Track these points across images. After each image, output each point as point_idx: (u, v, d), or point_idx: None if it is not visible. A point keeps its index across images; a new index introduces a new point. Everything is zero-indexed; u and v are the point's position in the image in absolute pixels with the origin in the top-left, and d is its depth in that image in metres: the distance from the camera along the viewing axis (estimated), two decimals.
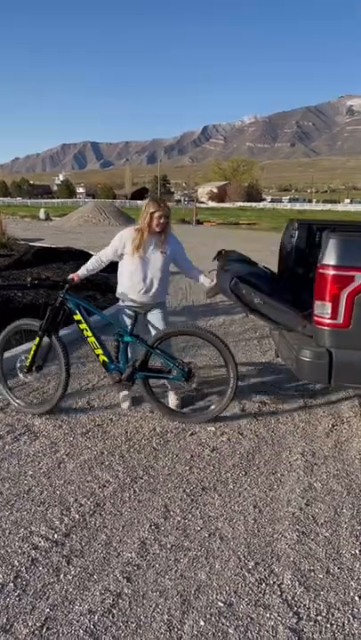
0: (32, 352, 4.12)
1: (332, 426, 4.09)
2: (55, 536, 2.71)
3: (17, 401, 4.28)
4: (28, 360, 4.15)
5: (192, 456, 3.59)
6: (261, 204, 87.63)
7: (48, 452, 3.60)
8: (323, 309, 3.18)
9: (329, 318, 3.16)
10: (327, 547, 2.66)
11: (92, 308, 4.22)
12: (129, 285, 4.12)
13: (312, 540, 2.72)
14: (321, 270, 3.17)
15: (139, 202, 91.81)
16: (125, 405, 4.34)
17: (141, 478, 3.29)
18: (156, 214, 3.96)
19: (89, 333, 4.06)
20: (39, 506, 2.97)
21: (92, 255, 4.89)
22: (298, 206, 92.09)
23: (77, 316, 4.06)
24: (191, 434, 3.92)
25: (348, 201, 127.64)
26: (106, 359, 4.07)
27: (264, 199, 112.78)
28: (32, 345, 4.13)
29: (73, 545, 2.64)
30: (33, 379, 4.29)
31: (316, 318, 3.24)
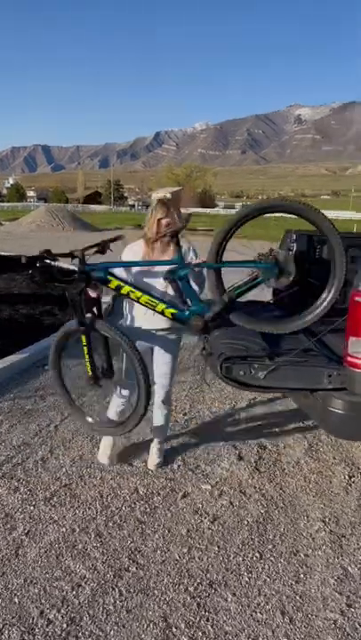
0: (86, 355, 3.11)
1: (349, 477, 3.42)
2: None
3: (89, 419, 3.46)
4: (88, 368, 3.16)
5: (189, 531, 2.83)
6: (215, 210, 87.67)
7: (1, 531, 2.76)
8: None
9: None
10: None
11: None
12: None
13: None
14: (358, 298, 2.49)
15: (91, 206, 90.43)
16: (105, 459, 3.49)
17: (128, 570, 2.51)
18: (164, 221, 3.16)
19: (138, 293, 3.00)
20: None
21: None
22: None
23: (114, 282, 3.01)
24: (183, 496, 3.15)
25: None
26: (174, 310, 3.02)
27: (217, 205, 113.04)
28: (83, 349, 3.11)
29: None
30: (105, 387, 3.33)
31: (350, 359, 2.55)
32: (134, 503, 3.05)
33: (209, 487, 3.25)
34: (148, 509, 3.00)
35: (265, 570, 2.53)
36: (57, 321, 6.82)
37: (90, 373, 3.13)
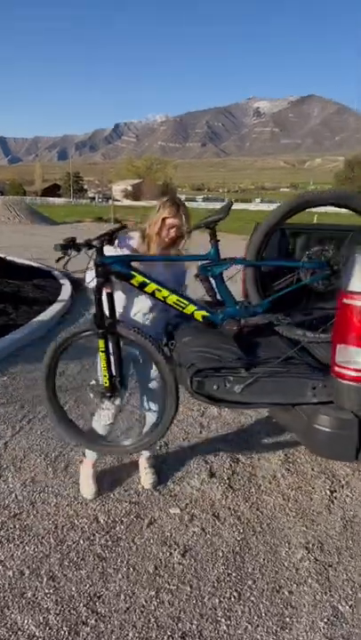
0: (103, 362, 2.61)
1: (331, 493, 3.13)
2: None
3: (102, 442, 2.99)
4: (105, 378, 2.65)
5: (157, 568, 2.47)
6: None
7: None
8: (350, 356, 2.18)
9: None
10: None
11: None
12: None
13: None
14: (347, 300, 2.17)
15: (50, 199, 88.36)
16: (90, 493, 3.02)
17: (86, 624, 2.13)
18: (169, 222, 2.76)
19: (165, 292, 2.60)
20: None
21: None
22: (211, 206, 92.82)
23: (139, 278, 2.58)
24: (150, 523, 2.79)
25: (259, 200, 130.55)
26: (206, 313, 2.65)
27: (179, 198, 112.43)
28: (99, 356, 2.63)
29: None
30: (121, 400, 2.79)
31: (338, 370, 2.23)
32: (94, 535, 2.68)
33: (178, 511, 2.90)
34: (110, 542, 2.63)
35: (245, 614, 2.20)
36: (10, 321, 6.32)
37: (107, 384, 2.65)
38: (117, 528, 2.74)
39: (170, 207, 2.76)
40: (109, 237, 2.52)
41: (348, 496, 3.10)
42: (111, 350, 2.58)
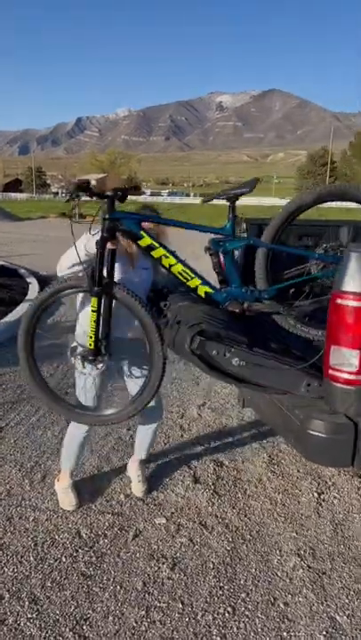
0: (92, 323, 2.41)
1: (319, 495, 3.06)
2: None
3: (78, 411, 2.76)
4: (91, 339, 2.44)
5: (145, 584, 2.35)
6: (142, 198, 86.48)
7: None
8: (344, 359, 2.10)
9: (355, 372, 2.09)
10: None
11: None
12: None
13: None
14: (340, 300, 2.08)
15: (12, 194, 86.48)
16: (71, 504, 2.88)
17: None
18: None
19: (172, 260, 2.50)
20: None
21: None
22: (178, 200, 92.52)
23: (147, 240, 2.46)
24: (135, 535, 2.67)
25: None
26: (209, 289, 2.54)
27: (144, 192, 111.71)
28: (89, 314, 2.42)
29: None
30: (106, 365, 2.56)
31: (332, 372, 2.15)
32: (77, 551, 2.54)
33: (164, 521, 2.78)
34: (94, 558, 2.49)
35: (241, 630, 2.10)
36: None
37: (91, 346, 2.44)
38: (101, 542, 2.60)
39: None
40: (122, 195, 2.38)
41: (335, 497, 3.05)
42: (102, 311, 2.42)
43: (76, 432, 2.87)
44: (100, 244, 2.35)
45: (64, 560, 2.47)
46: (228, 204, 2.55)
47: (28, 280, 8.87)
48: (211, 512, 2.87)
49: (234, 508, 2.92)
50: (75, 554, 2.51)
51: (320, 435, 2.15)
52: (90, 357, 2.48)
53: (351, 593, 2.32)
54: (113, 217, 2.36)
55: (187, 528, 2.73)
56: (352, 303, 2.06)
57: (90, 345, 2.45)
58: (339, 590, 2.33)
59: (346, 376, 2.13)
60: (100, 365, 2.52)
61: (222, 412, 4.14)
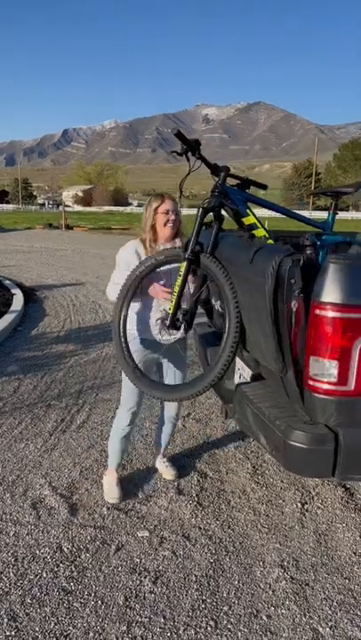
0: (176, 288, 2.46)
1: (302, 505, 3.06)
2: None
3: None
4: (172, 304, 2.48)
5: (127, 598, 2.32)
6: (128, 209, 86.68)
7: None
8: (323, 370, 2.11)
9: (335, 384, 2.10)
10: None
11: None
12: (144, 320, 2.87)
13: None
14: (318, 311, 2.09)
15: None
16: (116, 497, 3.06)
17: None
18: (162, 208, 2.74)
19: (271, 242, 2.54)
20: None
21: None
22: None
23: (251, 219, 2.53)
24: (117, 548, 2.64)
25: None
26: None
27: (130, 203, 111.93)
28: (177, 281, 2.47)
29: None
30: (181, 334, 2.59)
31: (312, 383, 2.15)
32: (58, 566, 2.50)
33: (147, 534, 2.75)
34: (75, 573, 2.46)
35: None
36: None
37: (171, 311, 2.49)
38: (83, 556, 2.57)
39: (155, 198, 2.80)
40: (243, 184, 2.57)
41: (319, 507, 3.04)
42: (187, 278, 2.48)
43: (119, 425, 3.02)
44: (202, 213, 2.42)
45: (45, 575, 2.43)
46: (331, 200, 2.60)
47: (13, 291, 8.81)
48: (194, 524, 2.85)
49: (217, 519, 2.90)
50: (55, 569, 2.47)
51: (300, 445, 2.15)
52: (167, 325, 2.53)
53: (334, 604, 2.31)
54: (224, 190, 2.45)
55: (170, 541, 2.71)
56: (331, 314, 2.07)
57: (170, 308, 2.50)
58: (322, 601, 2.32)
59: (326, 386, 2.13)
60: (175, 333, 2.56)
61: (207, 423, 4.12)
